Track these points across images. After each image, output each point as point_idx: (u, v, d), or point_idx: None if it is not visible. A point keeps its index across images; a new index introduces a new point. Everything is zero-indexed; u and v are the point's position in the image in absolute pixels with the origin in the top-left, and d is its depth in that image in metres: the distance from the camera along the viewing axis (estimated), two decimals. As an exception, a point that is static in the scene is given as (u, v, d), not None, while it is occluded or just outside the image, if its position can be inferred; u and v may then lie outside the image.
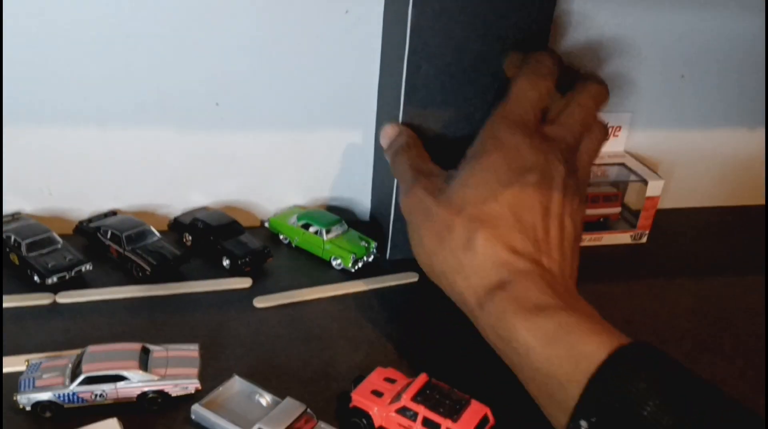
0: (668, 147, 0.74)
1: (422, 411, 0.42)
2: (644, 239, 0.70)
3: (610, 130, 0.70)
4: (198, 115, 0.60)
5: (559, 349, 0.40)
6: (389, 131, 0.57)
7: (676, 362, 0.39)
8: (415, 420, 0.42)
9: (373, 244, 0.61)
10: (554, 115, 0.51)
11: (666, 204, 0.77)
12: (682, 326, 0.58)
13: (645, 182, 0.67)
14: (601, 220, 0.70)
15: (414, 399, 0.42)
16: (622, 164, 0.71)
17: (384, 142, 0.57)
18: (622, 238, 0.69)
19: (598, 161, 0.70)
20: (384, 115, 0.62)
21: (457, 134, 0.59)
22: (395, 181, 0.59)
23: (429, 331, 0.53)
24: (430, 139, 0.58)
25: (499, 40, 0.56)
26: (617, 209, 0.70)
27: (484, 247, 0.45)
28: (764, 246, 0.69)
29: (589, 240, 0.68)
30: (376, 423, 0.43)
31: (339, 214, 0.66)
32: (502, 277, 0.44)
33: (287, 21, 0.58)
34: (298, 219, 0.62)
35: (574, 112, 0.51)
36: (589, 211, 0.68)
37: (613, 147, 0.72)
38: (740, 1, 0.67)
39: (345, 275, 0.59)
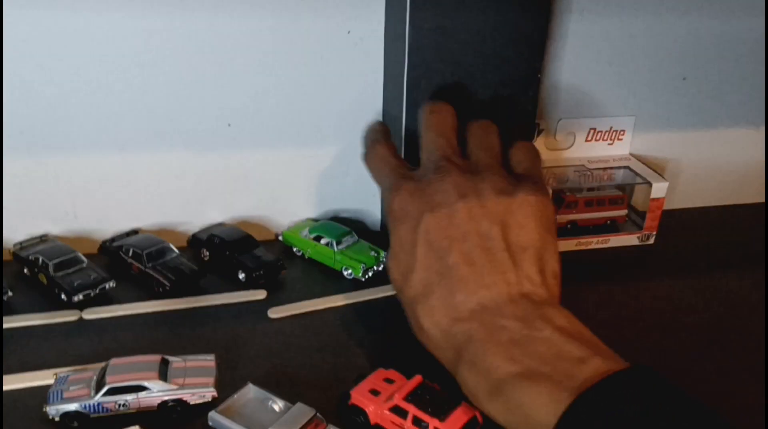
0: (673, 148, 0.75)
1: (412, 410, 0.44)
2: (651, 240, 0.71)
3: (613, 133, 0.73)
4: (211, 136, 0.63)
5: (517, 420, 0.40)
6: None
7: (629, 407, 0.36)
8: (405, 418, 0.44)
9: (383, 254, 0.63)
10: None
11: (674, 204, 0.78)
12: (689, 325, 0.59)
13: (650, 184, 0.68)
14: (608, 222, 0.71)
15: (405, 398, 0.44)
16: (628, 167, 0.72)
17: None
18: (630, 239, 0.70)
19: (604, 165, 0.72)
20: (390, 128, 0.64)
21: (458, 144, 0.60)
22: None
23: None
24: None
25: (495, 54, 0.58)
26: (623, 212, 0.71)
27: (428, 327, 0.45)
28: (764, 244, 0.70)
29: (596, 242, 0.69)
30: (372, 420, 0.45)
31: (350, 225, 0.68)
32: (455, 348, 0.44)
33: (292, 43, 0.61)
34: (310, 231, 0.64)
35: (480, 152, 0.51)
36: (596, 214, 0.70)
37: (618, 150, 0.74)
38: (739, 1, 0.69)
39: (356, 284, 0.61)
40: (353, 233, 0.65)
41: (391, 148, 0.55)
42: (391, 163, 0.53)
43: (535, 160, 0.53)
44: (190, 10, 0.58)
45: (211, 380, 0.47)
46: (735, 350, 0.55)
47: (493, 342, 0.42)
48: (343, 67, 0.63)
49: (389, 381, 0.47)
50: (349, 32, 0.62)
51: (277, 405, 0.46)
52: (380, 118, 0.66)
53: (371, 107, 0.65)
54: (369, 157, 0.55)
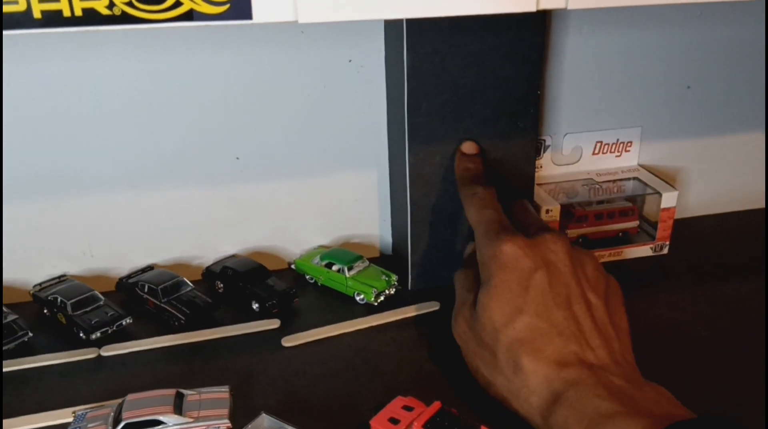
0: (683, 157, 0.75)
1: (432, 437, 0.44)
2: (665, 250, 0.70)
3: (620, 145, 0.73)
4: (221, 170, 0.65)
5: None
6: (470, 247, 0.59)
7: None
8: (426, 446, 0.44)
9: (394, 277, 0.64)
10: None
11: (687, 213, 0.77)
12: (707, 336, 0.58)
13: (659, 194, 0.68)
14: (620, 234, 0.70)
15: (424, 426, 0.44)
16: (637, 178, 0.72)
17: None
18: (643, 250, 0.70)
19: (612, 177, 0.72)
20: (394, 152, 0.65)
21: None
22: (410, 216, 0.62)
23: (450, 357, 0.55)
24: (436, 172, 0.61)
25: (493, 74, 0.59)
26: (635, 223, 0.70)
27: (531, 368, 0.46)
28: (765, 249, 0.69)
29: (609, 255, 0.69)
30: (393, 449, 0.45)
31: (362, 250, 0.69)
32: (555, 390, 0.45)
33: (295, 75, 0.62)
34: (321, 259, 0.65)
35: (527, 217, 0.56)
36: (607, 227, 0.70)
37: (626, 162, 0.74)
38: (740, 9, 0.69)
39: (369, 309, 0.62)
40: (364, 258, 0.65)
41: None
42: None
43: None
44: (194, 49, 0.59)
45: (225, 412, 0.47)
46: (755, 360, 0.55)
47: (602, 386, 0.44)
48: (346, 95, 0.64)
49: (408, 408, 0.47)
50: (350, 61, 0.63)
51: (291, 434, 0.46)
52: (385, 141, 0.66)
53: (376, 133, 0.66)
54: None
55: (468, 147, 0.60)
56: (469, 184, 0.58)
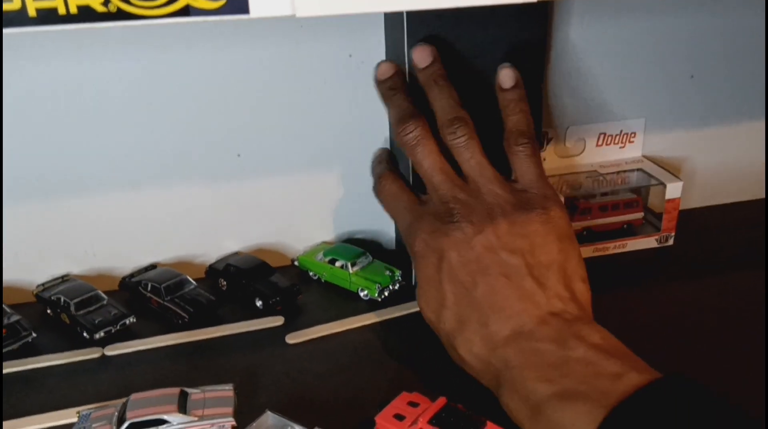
0: (687, 147, 0.75)
1: (437, 433, 0.44)
2: (671, 241, 0.70)
3: (624, 136, 0.72)
4: (222, 167, 0.64)
5: None
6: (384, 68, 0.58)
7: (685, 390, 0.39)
8: (431, 442, 0.44)
9: (398, 273, 0.63)
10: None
11: (693, 203, 0.77)
12: (714, 327, 0.58)
13: (663, 185, 0.68)
14: (625, 226, 0.70)
15: (430, 422, 0.44)
16: (641, 169, 0.71)
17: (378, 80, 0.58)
18: (648, 242, 0.70)
19: (616, 169, 0.71)
20: (396, 146, 0.64)
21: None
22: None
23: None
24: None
25: (496, 65, 0.58)
26: (639, 214, 0.70)
27: (469, 358, 0.48)
28: (765, 241, 0.69)
29: (614, 247, 0.69)
30: (398, 445, 0.45)
31: (366, 246, 0.68)
32: (494, 376, 0.46)
33: (295, 70, 0.62)
34: (324, 255, 0.65)
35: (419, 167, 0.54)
36: (611, 219, 0.69)
37: (630, 153, 0.73)
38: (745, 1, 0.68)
39: (372, 305, 0.61)
40: (367, 254, 0.65)
41: (399, 181, 0.57)
42: (403, 200, 0.55)
43: (537, 169, 0.53)
44: (193, 47, 0.59)
45: (229, 410, 0.47)
46: (762, 351, 0.54)
47: (530, 366, 0.44)
48: (346, 90, 0.64)
49: (414, 404, 0.47)
50: (350, 56, 0.63)
51: (296, 431, 0.46)
52: (387, 137, 0.66)
53: (377, 128, 0.65)
54: (380, 192, 0.58)
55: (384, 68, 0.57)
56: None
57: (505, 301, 0.47)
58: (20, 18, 0.30)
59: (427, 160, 0.53)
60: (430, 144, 0.53)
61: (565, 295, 0.48)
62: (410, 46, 0.56)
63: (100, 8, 0.30)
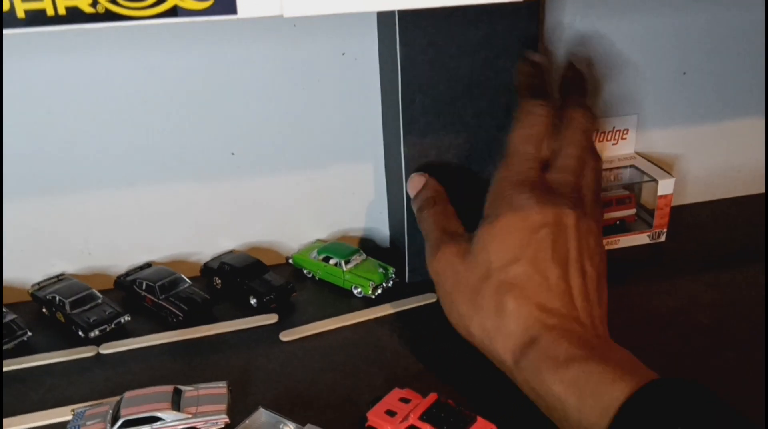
0: (680, 144, 0.75)
1: (428, 429, 0.44)
2: (663, 238, 0.70)
3: (617, 133, 0.72)
4: (217, 166, 0.64)
5: (587, 399, 0.41)
6: (416, 182, 0.59)
7: (710, 397, 0.39)
8: (422, 438, 0.44)
9: (391, 270, 0.64)
10: (552, 159, 0.53)
11: (685, 200, 0.77)
12: (703, 322, 0.58)
13: (656, 181, 0.68)
14: (618, 223, 0.70)
15: (421, 418, 0.45)
16: (633, 166, 0.71)
17: (411, 193, 0.60)
18: (640, 238, 0.70)
19: (609, 166, 0.72)
20: (390, 145, 0.64)
21: (459, 158, 0.61)
22: (406, 209, 0.62)
23: (446, 349, 0.55)
24: (433, 164, 0.61)
25: (488, 65, 0.59)
26: (632, 211, 0.70)
27: (514, 310, 0.47)
28: (765, 234, 0.69)
29: (606, 244, 0.69)
30: (390, 442, 0.45)
31: (360, 243, 0.69)
32: (533, 335, 0.46)
33: (288, 69, 0.62)
34: (319, 253, 0.65)
35: (569, 153, 0.53)
36: (604, 216, 0.69)
37: (622, 150, 0.73)
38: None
39: (366, 302, 0.62)
40: (361, 252, 0.65)
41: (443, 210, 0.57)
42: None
43: (599, 182, 0.55)
44: (187, 45, 0.59)
45: (223, 407, 0.48)
46: (755, 347, 0.54)
47: (577, 337, 0.45)
48: (340, 89, 0.64)
49: (405, 400, 0.48)
50: (343, 54, 0.63)
51: (288, 428, 0.46)
52: (381, 134, 0.66)
53: (371, 126, 0.66)
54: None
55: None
56: (523, 96, 0.56)
57: (575, 294, 0.48)
58: (9, 20, 0.30)
59: (528, 128, 0.54)
60: (543, 121, 0.54)
61: (605, 329, 0.50)
62: (402, 44, 0.56)
63: (89, 9, 0.30)
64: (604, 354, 0.44)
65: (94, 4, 0.30)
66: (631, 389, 0.40)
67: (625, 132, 0.73)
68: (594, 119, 0.56)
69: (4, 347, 0.56)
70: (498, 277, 0.48)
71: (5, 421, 0.49)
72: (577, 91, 0.59)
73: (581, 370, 0.42)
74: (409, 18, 0.56)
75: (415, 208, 0.59)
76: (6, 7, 0.30)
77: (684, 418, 0.37)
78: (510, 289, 0.48)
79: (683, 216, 0.73)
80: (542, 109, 0.54)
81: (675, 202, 0.70)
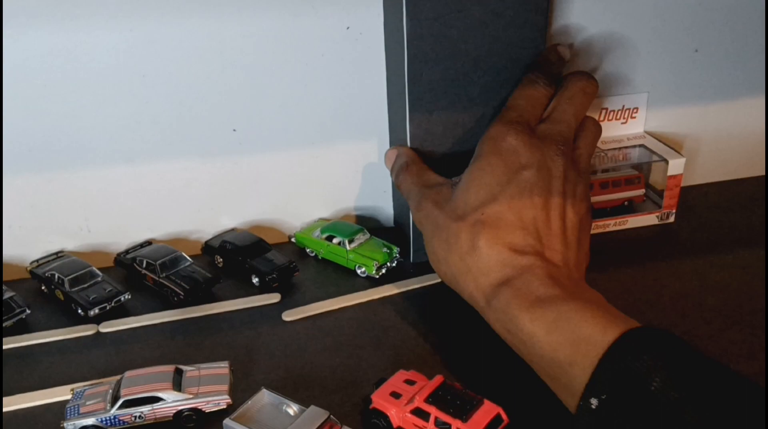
0: (690, 123, 0.73)
1: (434, 411, 0.43)
2: (672, 219, 0.69)
3: (626, 111, 0.71)
4: (218, 142, 0.63)
5: (561, 336, 0.42)
6: (389, 154, 0.60)
7: (682, 342, 0.40)
8: (428, 420, 0.43)
9: (395, 250, 0.63)
10: (547, 114, 0.54)
11: (695, 180, 0.76)
12: (715, 305, 0.57)
13: (666, 161, 0.67)
14: (626, 203, 0.69)
15: (426, 400, 0.44)
16: (643, 146, 0.70)
17: (387, 165, 0.60)
18: (649, 219, 0.69)
19: (618, 145, 0.70)
20: (395, 122, 0.63)
21: (465, 134, 0.60)
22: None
23: (451, 330, 0.55)
24: (440, 142, 0.59)
25: (496, 39, 0.57)
26: (641, 191, 0.69)
27: (487, 248, 0.48)
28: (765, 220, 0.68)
29: (614, 224, 0.68)
30: (395, 424, 0.45)
31: (364, 222, 0.68)
32: (505, 274, 0.47)
33: (291, 43, 0.61)
34: (322, 232, 0.64)
35: (565, 108, 0.54)
36: (612, 196, 0.69)
37: (632, 129, 0.72)
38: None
39: (370, 282, 0.61)
40: (365, 231, 0.64)
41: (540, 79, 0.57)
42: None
43: (592, 150, 0.56)
44: (187, 17, 0.58)
45: (225, 387, 0.47)
46: (762, 328, 0.54)
47: (550, 277, 0.45)
48: (344, 64, 0.63)
49: (410, 382, 0.47)
50: (348, 28, 0.62)
51: (291, 409, 0.45)
52: (385, 112, 0.65)
53: (376, 103, 0.64)
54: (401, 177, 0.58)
55: None
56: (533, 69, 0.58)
57: (552, 235, 0.49)
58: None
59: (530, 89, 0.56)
60: (544, 92, 0.56)
61: (579, 273, 0.50)
62: (409, 18, 0.55)
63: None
64: (575, 294, 0.44)
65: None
66: (613, 332, 0.40)
67: (635, 110, 0.71)
68: (594, 83, 0.57)
69: (3, 325, 0.55)
70: (473, 216, 0.49)
71: (5, 399, 0.49)
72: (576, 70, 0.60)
73: (553, 308, 0.43)
74: (416, -9, 0.54)
75: (393, 177, 0.59)
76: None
77: (667, 365, 0.38)
78: (482, 228, 0.48)
79: (693, 196, 0.72)
80: (545, 81, 0.56)
81: (685, 183, 0.68)
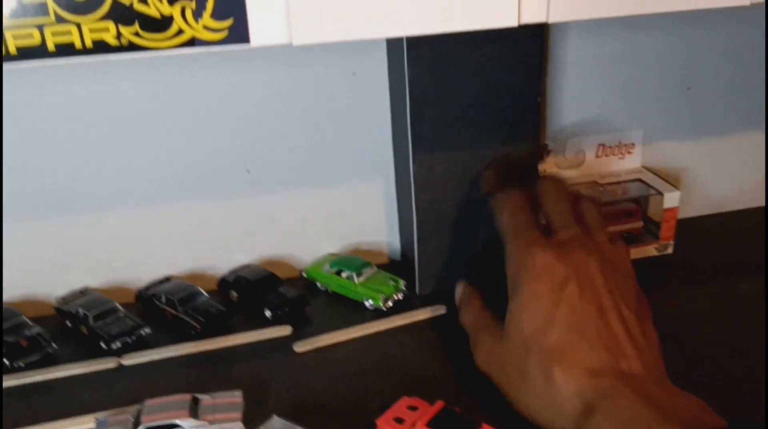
0: (685, 157, 0.76)
1: (434, 435, 0.46)
2: (670, 250, 0.71)
3: (623, 147, 0.74)
4: (232, 183, 0.67)
5: None
6: (457, 289, 0.60)
7: None
8: (428, 444, 0.46)
9: (402, 282, 0.65)
10: (548, 223, 0.54)
11: (692, 213, 0.78)
12: (709, 333, 0.59)
13: (662, 194, 0.69)
14: (625, 235, 0.71)
15: (428, 424, 0.46)
16: (639, 180, 0.73)
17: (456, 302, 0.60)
18: (647, 250, 0.71)
19: (616, 179, 0.73)
20: (400, 161, 0.66)
21: (466, 171, 0.63)
22: (416, 222, 0.64)
23: (456, 359, 0.57)
24: (440, 180, 0.62)
25: (494, 81, 0.61)
26: (639, 223, 0.71)
27: (563, 380, 0.46)
28: (765, 248, 0.70)
29: (614, 256, 0.70)
30: (398, 448, 0.47)
31: (371, 257, 0.70)
32: (589, 403, 0.44)
33: (301, 90, 0.65)
34: (331, 266, 0.67)
35: (561, 210, 0.54)
36: (611, 228, 0.70)
37: (629, 164, 0.75)
38: (738, 12, 0.69)
39: (378, 314, 0.63)
40: (372, 265, 0.67)
41: (516, 193, 0.56)
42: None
43: (605, 225, 0.55)
44: (204, 70, 0.62)
45: (238, 415, 0.49)
46: (761, 358, 0.55)
47: (638, 394, 0.44)
48: (351, 108, 0.66)
49: (413, 408, 0.49)
50: (354, 74, 0.65)
51: (302, 435, 0.48)
52: (391, 150, 0.68)
53: (381, 143, 0.68)
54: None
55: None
56: (493, 190, 0.58)
57: (620, 342, 0.47)
58: (41, 51, 0.33)
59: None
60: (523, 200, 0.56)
61: (661, 372, 0.49)
62: (410, 64, 0.58)
63: (113, 41, 0.33)
64: (668, 409, 0.42)
65: (119, 36, 0.33)
66: None
67: (631, 146, 0.74)
68: (562, 180, 0.57)
69: (31, 360, 0.58)
70: (537, 347, 0.47)
71: (32, 429, 0.52)
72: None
73: None
74: (416, 39, 0.58)
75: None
76: (38, 41, 0.32)
77: None
78: (552, 357, 0.46)
79: (690, 228, 0.74)
80: (516, 190, 0.56)
81: (682, 215, 0.71)
